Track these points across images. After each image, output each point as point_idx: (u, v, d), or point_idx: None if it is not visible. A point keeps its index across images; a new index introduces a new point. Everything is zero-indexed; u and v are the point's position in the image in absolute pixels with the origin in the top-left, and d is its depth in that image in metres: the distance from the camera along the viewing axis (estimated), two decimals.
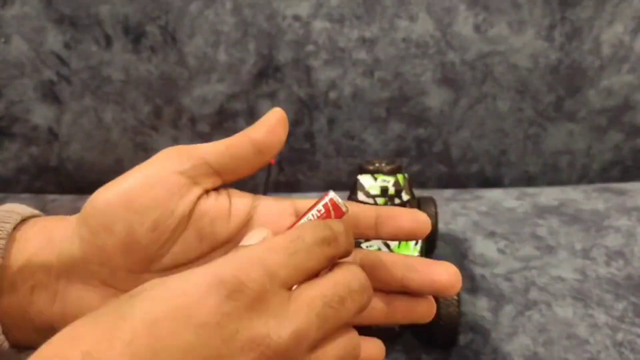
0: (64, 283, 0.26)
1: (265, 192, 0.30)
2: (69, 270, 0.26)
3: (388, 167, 0.62)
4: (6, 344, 0.25)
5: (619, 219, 0.75)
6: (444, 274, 0.26)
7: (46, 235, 0.26)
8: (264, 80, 0.85)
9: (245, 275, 0.19)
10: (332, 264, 0.23)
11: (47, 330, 0.22)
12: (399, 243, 0.51)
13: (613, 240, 0.70)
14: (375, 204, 0.56)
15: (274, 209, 0.29)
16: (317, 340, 0.20)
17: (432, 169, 0.92)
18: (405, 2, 0.82)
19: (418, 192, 0.69)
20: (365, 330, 0.46)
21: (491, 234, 0.73)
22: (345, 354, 0.21)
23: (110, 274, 0.24)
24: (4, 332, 0.25)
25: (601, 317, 0.57)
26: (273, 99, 0.86)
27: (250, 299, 0.18)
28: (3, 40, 0.85)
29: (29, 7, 0.83)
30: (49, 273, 0.26)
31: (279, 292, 0.20)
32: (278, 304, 0.19)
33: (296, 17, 0.82)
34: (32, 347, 0.19)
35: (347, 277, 0.21)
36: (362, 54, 0.84)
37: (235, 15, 0.82)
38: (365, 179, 0.59)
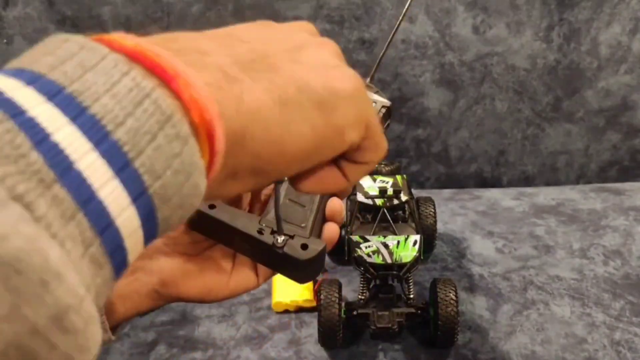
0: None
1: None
2: None
3: (387, 168, 0.63)
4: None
5: (616, 219, 0.75)
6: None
7: None
8: None
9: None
10: None
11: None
12: (398, 243, 0.52)
13: (611, 240, 0.71)
14: (374, 204, 0.56)
15: None
16: None
17: (431, 169, 0.92)
18: (404, 4, 0.82)
19: (417, 192, 0.69)
20: (365, 329, 0.46)
21: (489, 234, 0.73)
22: None
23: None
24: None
25: (599, 316, 0.58)
26: None
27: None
28: (5, 41, 0.85)
29: (31, 9, 0.84)
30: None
31: None
32: None
33: (297, 19, 0.83)
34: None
35: None
36: (361, 55, 0.84)
37: (237, 17, 0.83)
38: (364, 180, 0.59)
